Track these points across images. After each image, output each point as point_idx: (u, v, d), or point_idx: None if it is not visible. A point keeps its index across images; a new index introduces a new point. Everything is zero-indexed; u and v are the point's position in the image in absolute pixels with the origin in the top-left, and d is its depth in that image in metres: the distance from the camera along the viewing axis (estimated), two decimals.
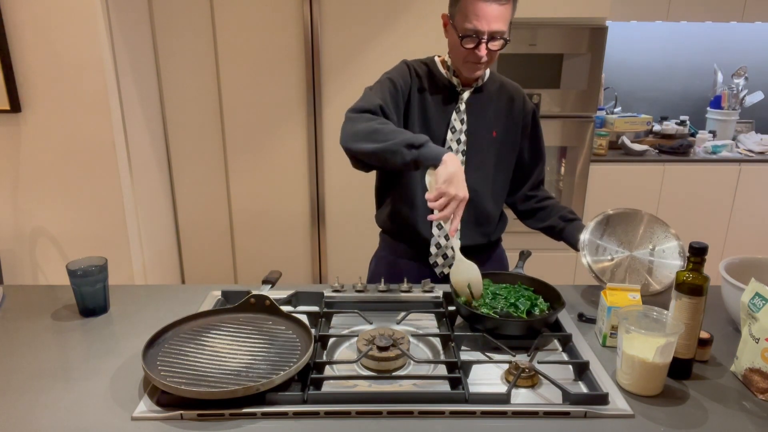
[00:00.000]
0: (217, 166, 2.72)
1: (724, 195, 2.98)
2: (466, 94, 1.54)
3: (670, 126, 3.17)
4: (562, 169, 2.89)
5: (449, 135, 1.53)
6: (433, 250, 1.58)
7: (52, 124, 2.14)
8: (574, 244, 1.53)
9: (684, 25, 3.29)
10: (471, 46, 1.40)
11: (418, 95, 1.52)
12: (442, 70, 1.55)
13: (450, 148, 1.53)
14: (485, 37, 1.38)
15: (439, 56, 1.58)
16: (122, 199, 2.24)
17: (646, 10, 2.94)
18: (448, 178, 1.24)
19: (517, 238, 3.05)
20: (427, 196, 1.26)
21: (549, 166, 2.91)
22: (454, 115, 1.53)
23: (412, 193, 1.56)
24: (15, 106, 2.09)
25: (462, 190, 1.25)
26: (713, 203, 2.99)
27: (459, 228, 1.28)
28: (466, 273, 1.32)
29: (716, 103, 3.27)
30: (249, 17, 2.51)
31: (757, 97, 3.21)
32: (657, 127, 3.21)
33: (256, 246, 2.84)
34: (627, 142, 3.04)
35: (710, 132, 3.20)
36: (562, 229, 1.59)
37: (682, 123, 3.23)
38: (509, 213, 1.71)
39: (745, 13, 2.94)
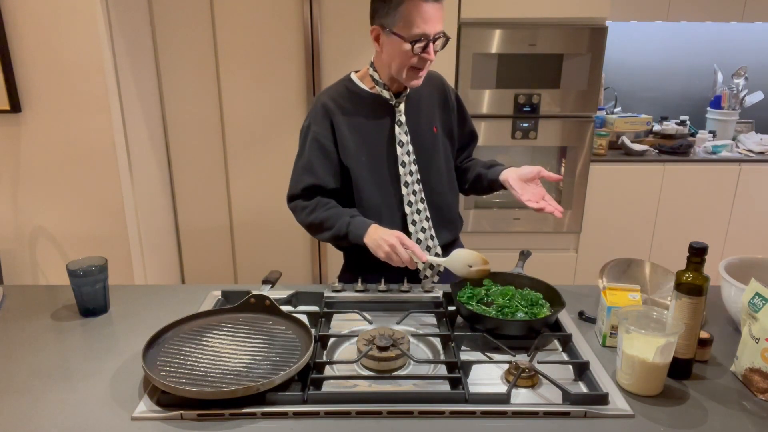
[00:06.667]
0: (217, 166, 2.72)
1: (724, 195, 2.98)
2: (402, 106, 1.51)
3: (670, 126, 3.17)
4: (562, 169, 2.89)
5: (398, 150, 1.51)
6: (420, 265, 1.56)
7: (52, 124, 2.14)
8: (496, 179, 1.54)
9: (684, 25, 3.29)
10: (420, 50, 1.37)
11: (347, 126, 1.48)
12: (365, 87, 1.51)
13: (404, 163, 1.51)
14: (431, 39, 1.37)
15: (355, 72, 1.54)
16: (122, 199, 2.24)
17: (646, 10, 2.93)
18: (375, 245, 1.37)
19: (517, 238, 3.06)
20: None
21: (549, 166, 2.91)
22: (397, 129, 1.51)
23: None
24: (15, 106, 2.09)
25: (388, 238, 1.35)
26: (713, 203, 2.99)
27: (437, 246, 1.39)
28: (459, 261, 1.37)
29: (716, 103, 3.27)
30: (249, 17, 2.51)
31: (757, 97, 3.21)
32: (657, 127, 3.20)
33: (256, 246, 2.83)
34: (627, 142, 3.04)
35: (710, 132, 3.20)
36: (486, 174, 1.59)
37: (682, 123, 3.22)
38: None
39: (745, 13, 2.94)
